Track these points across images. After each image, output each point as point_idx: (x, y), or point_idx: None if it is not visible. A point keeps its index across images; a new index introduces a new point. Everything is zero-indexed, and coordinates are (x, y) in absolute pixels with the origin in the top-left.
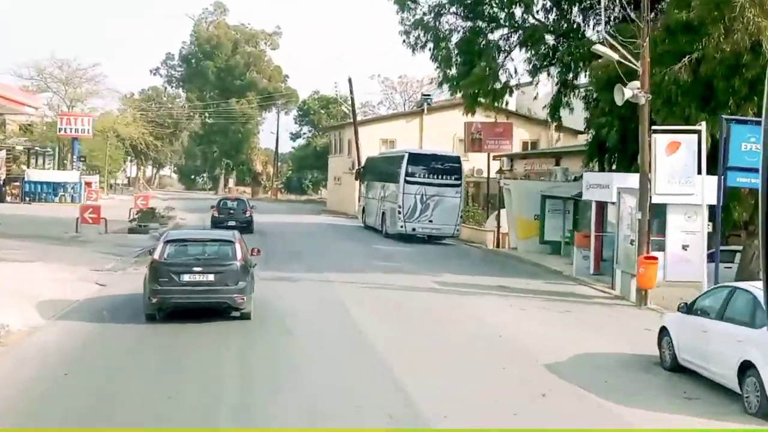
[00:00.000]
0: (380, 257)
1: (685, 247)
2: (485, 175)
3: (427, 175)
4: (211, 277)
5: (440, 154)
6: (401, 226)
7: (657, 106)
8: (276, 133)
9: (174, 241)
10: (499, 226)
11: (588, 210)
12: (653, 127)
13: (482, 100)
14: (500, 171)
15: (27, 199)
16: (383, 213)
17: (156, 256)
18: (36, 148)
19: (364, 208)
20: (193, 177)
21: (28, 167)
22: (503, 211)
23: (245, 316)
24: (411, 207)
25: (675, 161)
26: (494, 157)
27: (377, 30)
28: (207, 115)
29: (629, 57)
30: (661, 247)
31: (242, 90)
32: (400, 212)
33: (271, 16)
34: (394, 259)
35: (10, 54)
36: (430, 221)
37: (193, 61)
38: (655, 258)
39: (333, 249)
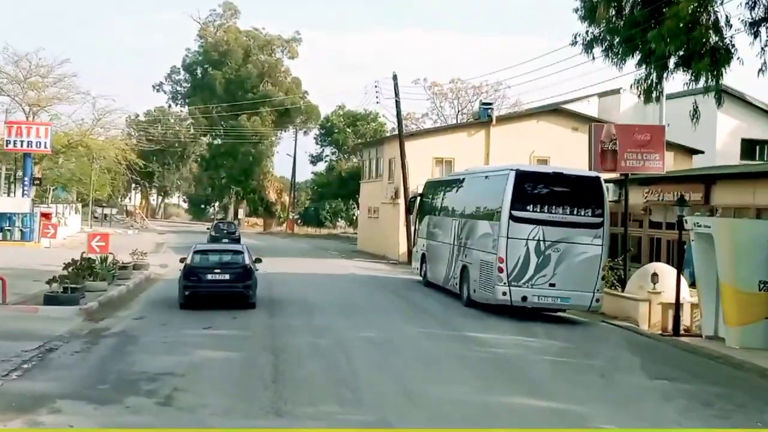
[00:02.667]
0: (505, 374)
1: None
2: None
3: (547, 208)
4: (227, 276)
5: (568, 174)
6: (503, 293)
7: None
8: (293, 155)
9: (200, 251)
10: (678, 294)
11: None
12: None
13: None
14: (682, 202)
15: None
16: (464, 267)
17: (188, 261)
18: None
19: (423, 255)
20: (203, 206)
21: None
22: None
23: (251, 306)
24: (520, 260)
25: None
26: None
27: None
28: (214, 134)
29: None
30: None
31: (254, 105)
32: (501, 269)
33: (289, 19)
34: (539, 382)
35: None
36: (552, 285)
37: (198, 70)
38: None
39: (403, 345)
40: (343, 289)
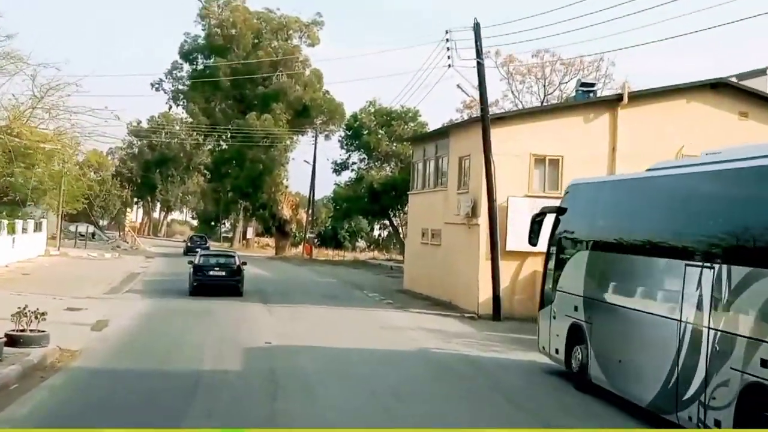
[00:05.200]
0: None
1: None
2: None
3: None
4: (223, 273)
5: None
6: None
7: None
8: (312, 162)
9: (205, 255)
10: None
11: None
12: None
13: None
14: None
15: None
16: (760, 388)
17: (195, 261)
18: None
19: (578, 327)
20: (213, 223)
21: None
22: None
23: (241, 295)
24: None
25: None
26: None
27: None
28: (218, 136)
29: None
30: None
31: (266, 101)
32: None
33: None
34: None
35: None
36: None
37: (198, 59)
38: None
39: None
40: (435, 418)
